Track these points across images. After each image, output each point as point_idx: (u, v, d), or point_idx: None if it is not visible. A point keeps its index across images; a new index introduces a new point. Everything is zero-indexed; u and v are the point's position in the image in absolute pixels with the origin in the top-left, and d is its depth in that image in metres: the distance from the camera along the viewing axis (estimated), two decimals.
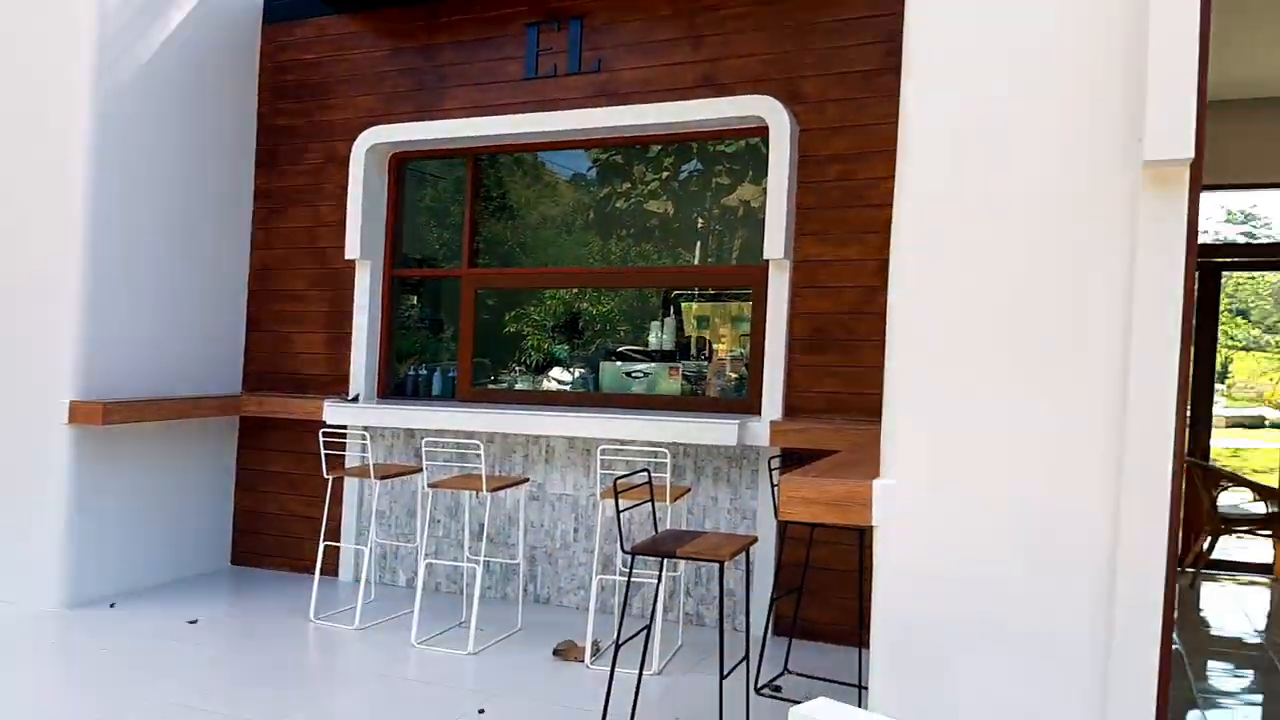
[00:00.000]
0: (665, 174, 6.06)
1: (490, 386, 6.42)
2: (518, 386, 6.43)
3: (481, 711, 4.02)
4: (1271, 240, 10.08)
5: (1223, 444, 15.28)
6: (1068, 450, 2.57)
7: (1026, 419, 2.60)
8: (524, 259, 6.40)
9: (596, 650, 4.70)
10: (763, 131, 5.32)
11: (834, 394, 5.20)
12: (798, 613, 4.73)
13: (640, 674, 3.83)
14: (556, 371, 6.65)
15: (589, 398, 5.99)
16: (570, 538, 5.64)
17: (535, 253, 6.42)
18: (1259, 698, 4.69)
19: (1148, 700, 2.45)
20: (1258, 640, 5.64)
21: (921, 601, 2.69)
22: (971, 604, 2.64)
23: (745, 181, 5.82)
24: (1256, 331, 29.76)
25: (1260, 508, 6.73)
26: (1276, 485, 6.99)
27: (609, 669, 3.74)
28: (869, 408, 4.95)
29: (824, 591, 4.98)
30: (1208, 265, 7.42)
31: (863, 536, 4.70)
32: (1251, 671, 5.07)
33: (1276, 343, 32.29)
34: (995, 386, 2.64)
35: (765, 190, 5.28)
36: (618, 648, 3.79)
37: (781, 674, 4.52)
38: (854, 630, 4.75)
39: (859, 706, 2.68)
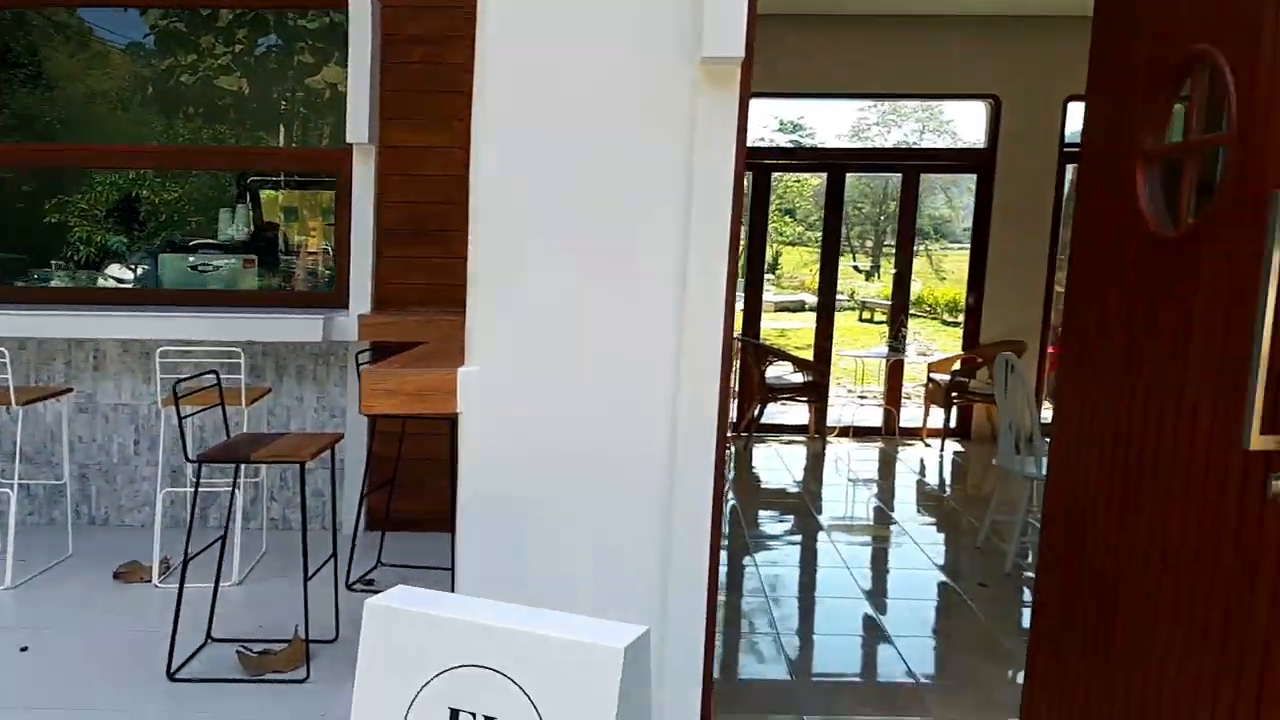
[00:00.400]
0: (239, 47, 5.43)
1: (23, 285, 5.46)
2: (62, 284, 5.55)
3: (24, 649, 3.53)
4: (815, 146, 11.48)
5: (772, 325, 17.54)
6: (637, 333, 2.72)
7: (598, 307, 2.70)
8: (67, 138, 5.44)
9: (166, 568, 4.30)
10: (342, 2, 4.92)
11: (427, 285, 5.10)
12: (390, 506, 4.68)
13: (216, 585, 3.57)
14: (115, 269, 5.85)
15: (151, 295, 5.34)
16: (130, 451, 5.05)
17: (83, 131, 5.49)
18: (798, 537, 5.52)
19: (701, 554, 2.73)
20: (797, 490, 6.63)
21: (503, 481, 2.76)
22: (549, 480, 2.75)
23: (331, 63, 5.39)
24: (800, 228, 34.28)
25: (799, 378, 7.83)
26: (812, 359, 8.15)
27: (178, 585, 3.44)
28: (462, 299, 4.92)
29: (417, 483, 4.96)
30: (759, 167, 8.30)
31: (454, 425, 4.73)
32: (792, 516, 5.96)
33: (815, 239, 37.53)
34: (568, 276, 2.71)
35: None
36: (186, 562, 3.49)
37: (375, 567, 4.47)
38: (446, 517, 4.81)
39: (452, 589, 2.70)
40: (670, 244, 2.68)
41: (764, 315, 8.62)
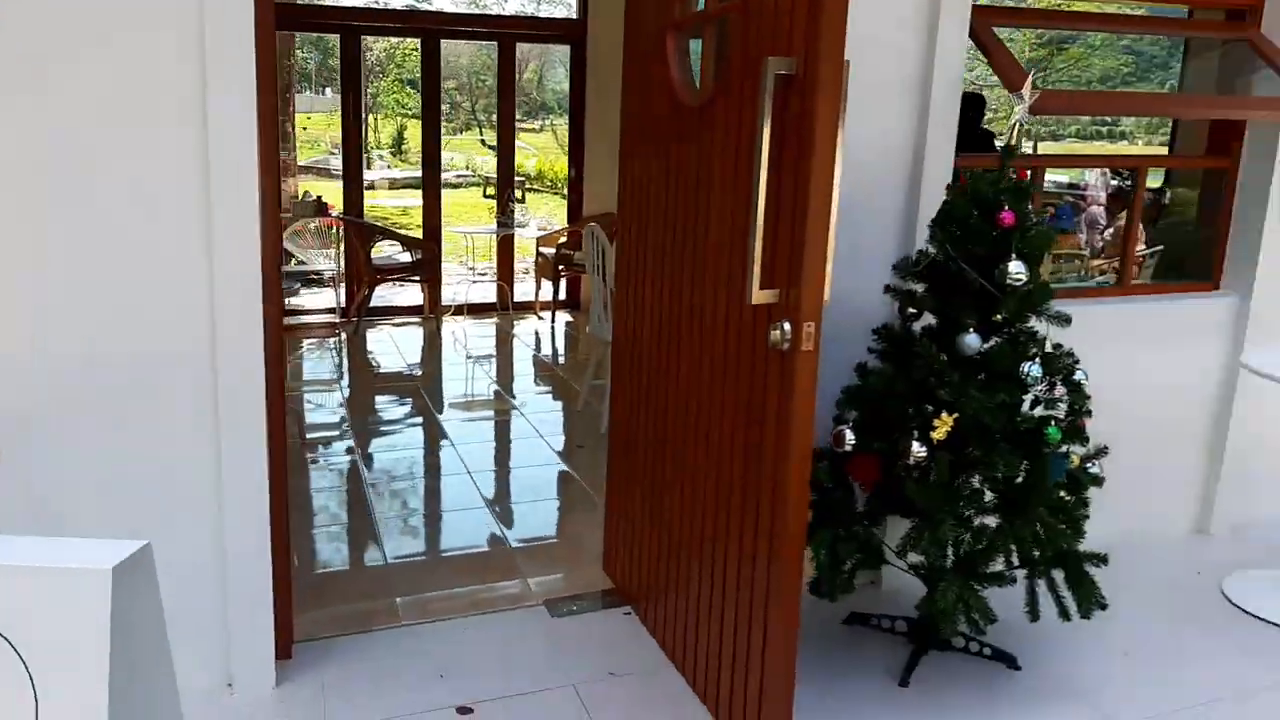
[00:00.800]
0: None
1: None
2: None
3: None
4: (410, 8, 10.90)
5: (395, 203, 16.94)
6: (153, 225, 2.39)
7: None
8: None
9: None
10: None
11: None
12: None
13: None
14: None
15: None
16: None
17: None
18: (420, 420, 5.43)
19: (255, 460, 2.54)
20: (412, 372, 6.51)
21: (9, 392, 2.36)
22: (62, 395, 2.40)
23: None
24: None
25: (408, 257, 7.60)
26: (421, 237, 7.93)
27: None
28: None
29: None
30: (347, 29, 7.73)
31: None
32: (410, 399, 5.84)
33: (442, 111, 36.45)
34: (75, 162, 2.30)
35: None
36: None
37: None
38: None
39: None
40: (185, 117, 2.35)
41: (387, 193, 8.22)
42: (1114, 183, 8.73)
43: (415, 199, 17.81)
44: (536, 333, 7.77)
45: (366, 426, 5.28)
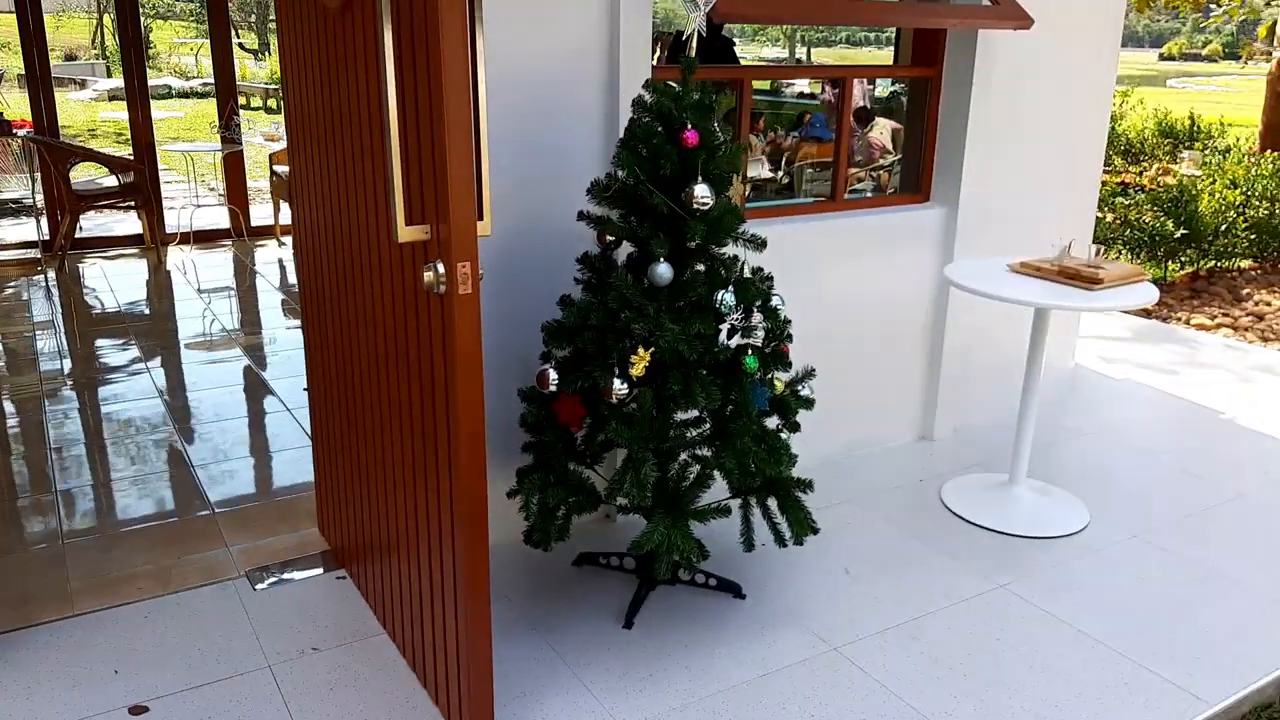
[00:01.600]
0: None
1: None
2: None
3: None
4: None
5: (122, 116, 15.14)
6: None
7: None
8: None
9: None
10: None
11: None
12: None
13: None
14: None
15: None
16: None
17: None
18: (125, 370, 4.81)
19: None
20: (133, 310, 5.79)
21: None
22: None
23: None
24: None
25: (115, 181, 6.72)
26: (131, 157, 7.04)
27: None
28: None
29: None
30: None
31: None
32: (132, 342, 5.17)
33: (191, 10, 33.02)
34: None
35: None
36: None
37: None
38: None
39: None
40: None
41: (108, 106, 7.18)
42: (870, 89, 8.91)
43: (156, 110, 16.06)
44: (281, 260, 7.13)
45: (81, 377, 4.65)
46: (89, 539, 3.16)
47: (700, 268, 2.40)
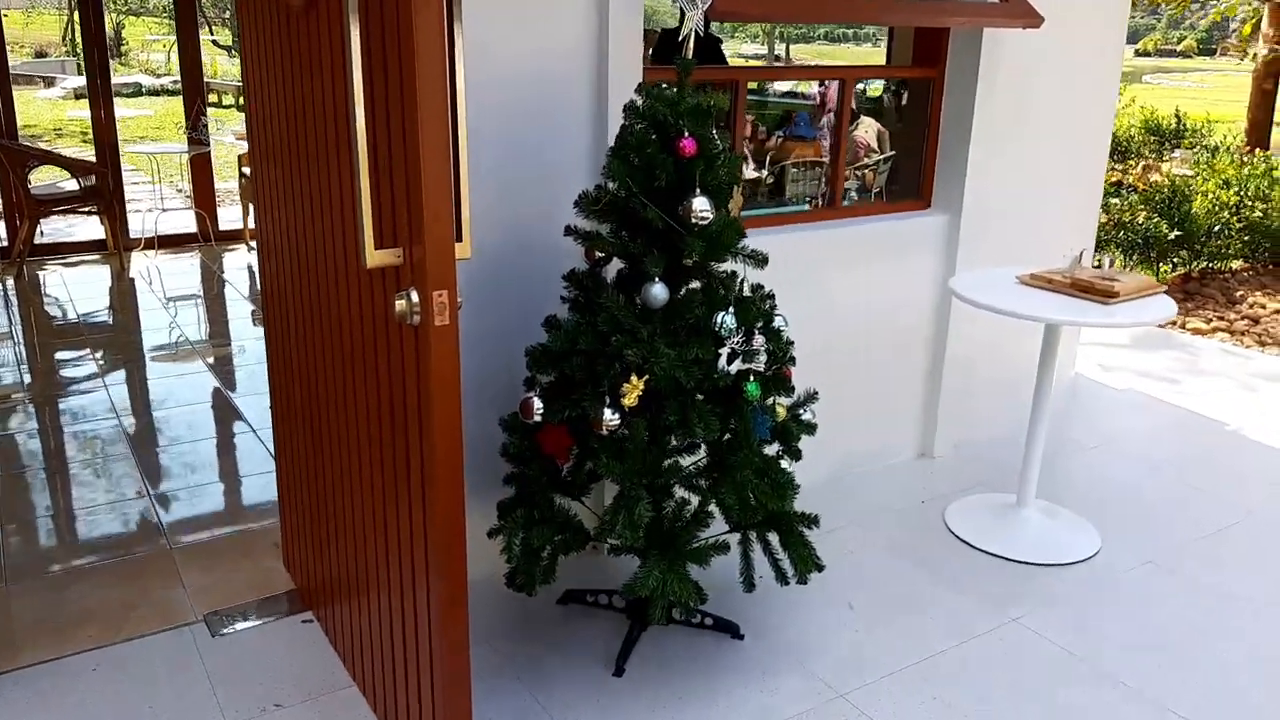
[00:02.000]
0: None
1: None
2: None
3: None
4: None
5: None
6: None
7: None
8: None
9: None
10: None
11: None
12: None
13: None
14: None
15: None
16: None
17: None
18: (83, 386, 4.56)
19: None
20: (95, 319, 5.52)
21: None
22: None
23: None
24: None
25: (76, 185, 6.43)
26: (94, 159, 6.75)
27: None
28: None
29: None
30: None
31: None
32: (96, 354, 4.91)
33: (163, 5, 32.43)
34: None
35: None
36: None
37: None
38: None
39: None
40: None
41: (76, 105, 6.89)
42: (860, 88, 8.74)
43: (126, 108, 15.68)
44: (250, 265, 6.88)
45: (12, 398, 4.39)
46: (38, 579, 2.93)
47: (696, 285, 2.21)
